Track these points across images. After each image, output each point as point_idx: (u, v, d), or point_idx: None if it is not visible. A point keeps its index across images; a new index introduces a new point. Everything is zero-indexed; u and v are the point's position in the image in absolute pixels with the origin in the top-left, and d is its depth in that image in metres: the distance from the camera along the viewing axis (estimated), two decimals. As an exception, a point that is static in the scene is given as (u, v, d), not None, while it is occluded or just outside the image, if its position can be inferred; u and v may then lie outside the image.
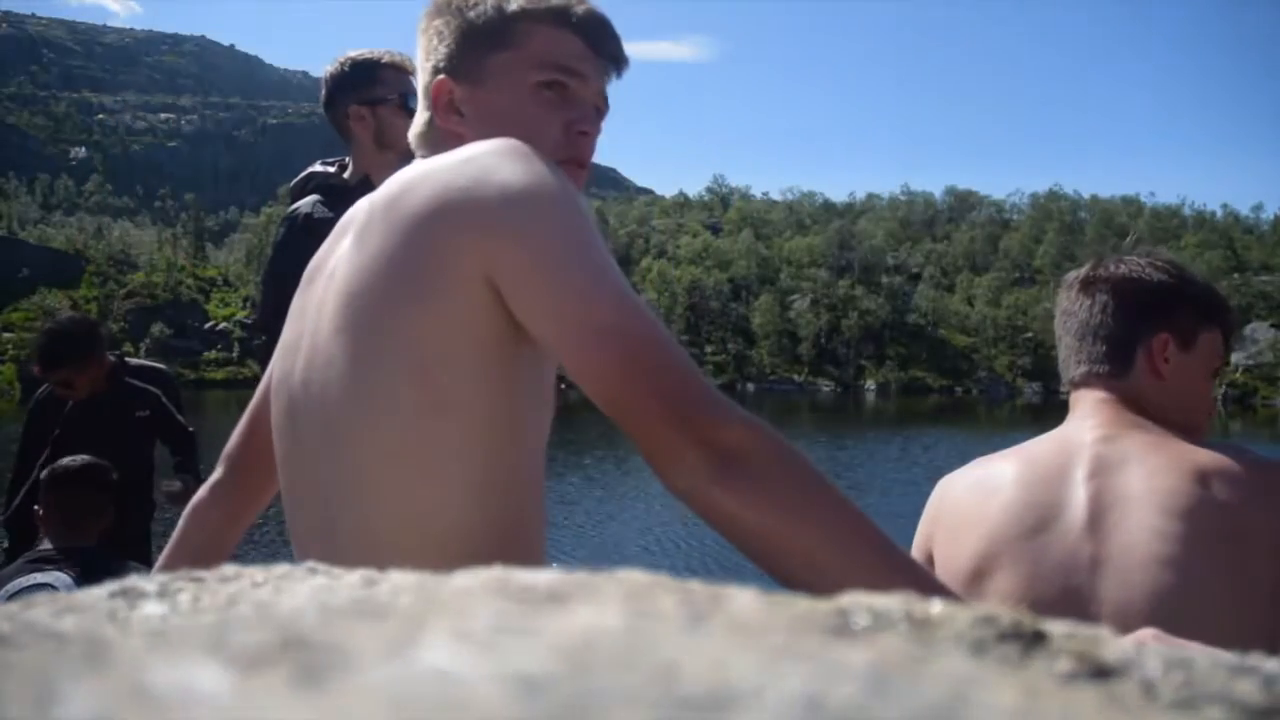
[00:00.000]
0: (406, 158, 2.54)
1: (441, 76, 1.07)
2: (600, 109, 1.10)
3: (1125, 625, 1.07)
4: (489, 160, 0.92)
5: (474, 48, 1.06)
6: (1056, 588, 1.16)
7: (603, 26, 1.09)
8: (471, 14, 1.07)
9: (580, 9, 1.07)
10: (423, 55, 1.12)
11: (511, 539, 0.96)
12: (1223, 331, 1.36)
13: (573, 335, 0.86)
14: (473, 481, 0.93)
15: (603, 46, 1.08)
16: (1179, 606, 1.11)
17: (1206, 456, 1.19)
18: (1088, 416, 1.30)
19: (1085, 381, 1.34)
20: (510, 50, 1.05)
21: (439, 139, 1.08)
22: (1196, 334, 1.33)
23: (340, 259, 1.01)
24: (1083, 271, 1.39)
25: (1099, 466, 1.22)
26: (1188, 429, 1.29)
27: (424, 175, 0.95)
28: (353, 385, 0.93)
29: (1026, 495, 1.23)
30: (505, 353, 0.92)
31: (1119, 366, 1.32)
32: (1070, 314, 1.37)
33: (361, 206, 1.04)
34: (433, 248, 0.90)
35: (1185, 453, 1.20)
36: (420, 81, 1.13)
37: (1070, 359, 1.36)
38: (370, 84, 2.52)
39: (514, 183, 0.89)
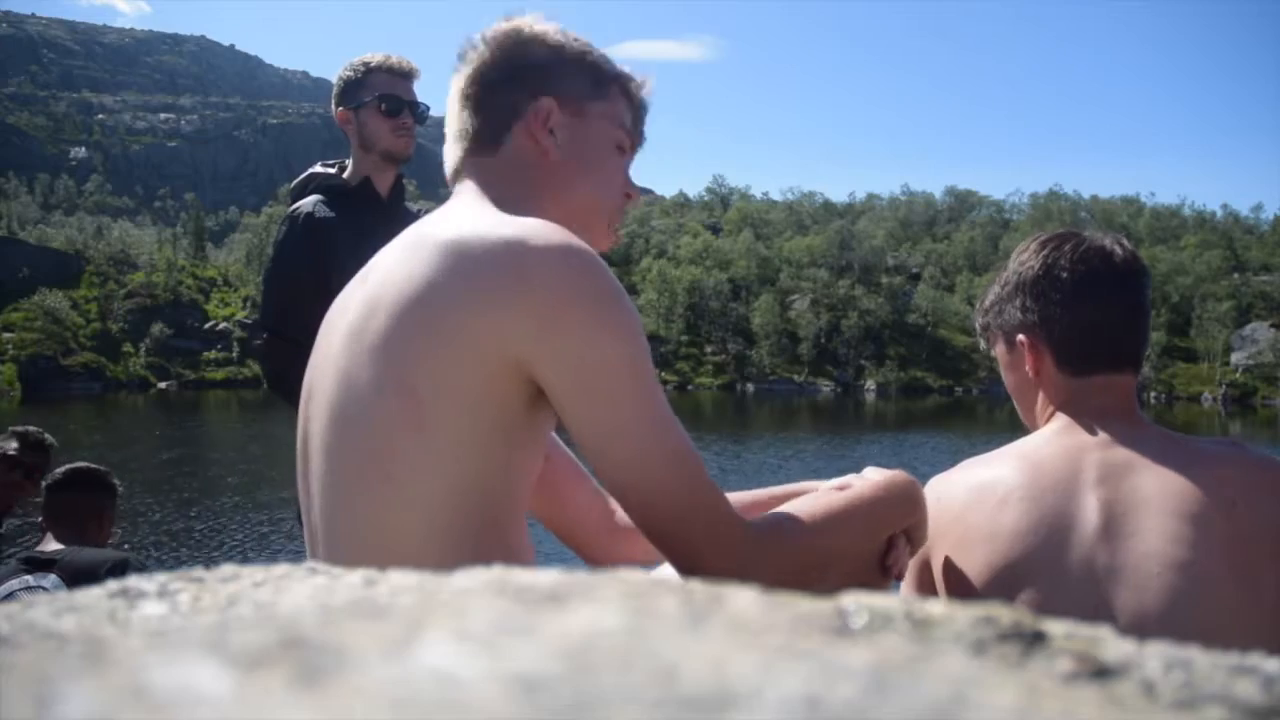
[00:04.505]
0: (387, 159, 2.59)
1: (547, 98, 1.11)
2: None
3: (1143, 633, 1.05)
4: (542, 252, 0.94)
5: (581, 86, 1.13)
6: (1076, 599, 1.13)
7: (645, 109, 1.20)
8: (586, 56, 1.15)
9: (647, 95, 1.19)
10: (508, 66, 1.12)
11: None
12: None
13: (635, 463, 0.96)
14: (441, 504, 0.96)
15: (641, 131, 1.20)
16: (1197, 612, 1.09)
17: (1215, 458, 1.17)
18: (1094, 414, 1.25)
19: (1113, 369, 1.27)
20: (606, 103, 1.14)
21: (515, 152, 1.11)
22: None
23: (369, 284, 1.03)
24: (1118, 248, 1.29)
25: (1107, 471, 1.18)
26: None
27: (471, 238, 0.95)
28: (350, 399, 0.99)
29: (1038, 508, 1.18)
30: (502, 399, 0.96)
31: (1140, 360, 1.29)
32: (1129, 298, 1.27)
33: (410, 241, 1.04)
34: (460, 312, 0.93)
35: (1194, 454, 1.18)
36: (485, 94, 1.13)
37: (1101, 342, 1.26)
38: (355, 88, 2.58)
39: (569, 288, 0.93)
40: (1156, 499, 1.14)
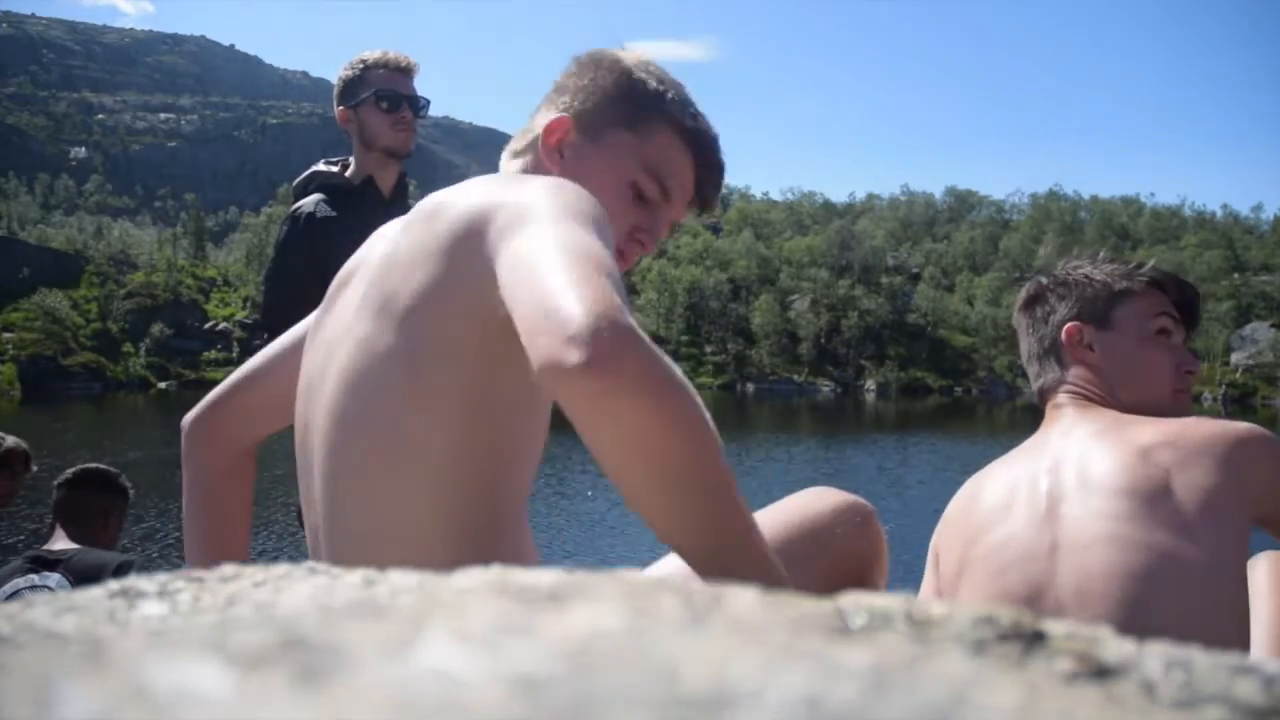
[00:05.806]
0: (388, 155, 2.60)
1: (564, 115, 1.10)
2: (666, 233, 1.12)
3: (1085, 603, 1.17)
4: (536, 184, 0.91)
5: (607, 112, 1.09)
6: (1021, 575, 1.25)
7: (715, 170, 1.11)
8: (624, 82, 1.09)
9: (711, 145, 1.10)
10: (559, 90, 1.13)
11: (479, 548, 0.93)
12: (1151, 292, 1.42)
13: (541, 327, 0.77)
14: (441, 482, 0.93)
15: (704, 188, 1.11)
16: (1132, 580, 1.16)
17: (1148, 432, 1.26)
18: (1056, 421, 1.40)
19: (1043, 397, 1.47)
20: (633, 134, 1.08)
21: (531, 162, 1.11)
22: (1109, 310, 1.42)
23: (374, 256, 1.02)
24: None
25: (1056, 461, 1.32)
26: (1150, 400, 1.37)
27: (472, 189, 0.95)
28: (360, 375, 0.95)
29: (1000, 495, 1.34)
30: (500, 362, 0.91)
31: (1056, 372, 1.45)
32: (1020, 350, 1.54)
33: (408, 216, 1.04)
34: (458, 250, 0.90)
35: (1129, 433, 1.28)
36: (542, 110, 1.14)
37: (1033, 384, 1.50)
38: (353, 86, 2.59)
39: (543, 196, 0.88)
40: (1093, 478, 1.25)
